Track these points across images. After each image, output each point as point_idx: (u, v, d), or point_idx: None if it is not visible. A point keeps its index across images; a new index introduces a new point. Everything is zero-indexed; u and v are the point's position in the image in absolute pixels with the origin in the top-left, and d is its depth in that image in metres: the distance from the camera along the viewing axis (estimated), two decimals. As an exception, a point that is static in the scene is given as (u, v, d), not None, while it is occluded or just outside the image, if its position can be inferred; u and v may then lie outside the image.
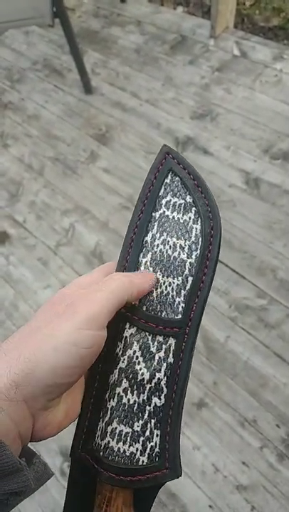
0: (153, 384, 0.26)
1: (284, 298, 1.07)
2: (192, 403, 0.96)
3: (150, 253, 0.28)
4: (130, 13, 1.88)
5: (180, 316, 0.27)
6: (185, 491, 0.88)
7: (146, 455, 0.26)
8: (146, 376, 0.26)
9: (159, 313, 0.27)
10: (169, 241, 0.28)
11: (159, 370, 0.26)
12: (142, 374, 0.26)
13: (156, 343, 0.27)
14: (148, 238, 0.28)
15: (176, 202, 0.28)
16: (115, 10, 1.92)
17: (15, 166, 1.50)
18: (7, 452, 0.20)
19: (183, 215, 0.28)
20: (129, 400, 0.26)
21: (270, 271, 1.11)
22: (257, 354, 1.00)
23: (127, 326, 0.27)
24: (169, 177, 0.29)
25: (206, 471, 0.90)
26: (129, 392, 0.26)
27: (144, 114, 1.52)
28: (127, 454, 0.26)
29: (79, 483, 0.28)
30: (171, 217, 0.28)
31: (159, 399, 0.26)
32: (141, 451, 0.26)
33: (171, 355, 0.27)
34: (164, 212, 0.28)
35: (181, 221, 0.28)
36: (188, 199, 0.28)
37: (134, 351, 0.27)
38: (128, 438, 0.26)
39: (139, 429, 0.26)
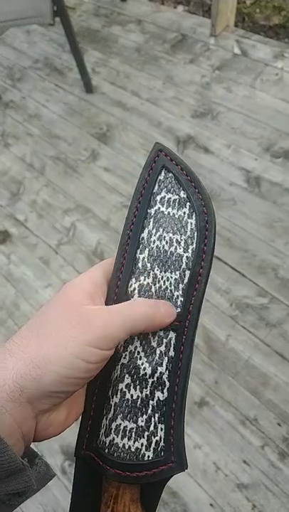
0: (155, 378, 0.26)
1: (285, 296, 1.07)
2: (193, 402, 0.96)
3: (147, 249, 0.28)
4: (131, 12, 1.88)
5: (179, 310, 0.27)
6: (186, 489, 0.88)
7: (152, 450, 0.26)
8: (148, 371, 0.26)
9: None
10: (165, 236, 0.28)
11: (161, 364, 0.26)
12: (144, 369, 0.27)
13: (156, 338, 0.27)
14: (144, 235, 0.28)
15: (170, 198, 0.29)
16: (116, 9, 1.91)
17: (16, 165, 1.50)
18: (10, 452, 0.20)
19: (178, 210, 0.28)
20: (132, 396, 0.26)
21: (271, 269, 1.11)
22: (258, 353, 1.00)
23: None
24: (163, 174, 0.29)
25: (207, 469, 0.90)
26: (131, 387, 0.26)
27: (144, 112, 1.52)
28: (132, 449, 0.26)
29: (85, 483, 0.28)
30: (166, 213, 0.28)
31: (162, 393, 0.26)
32: (146, 446, 0.26)
33: (172, 348, 0.27)
34: (159, 208, 0.29)
35: (176, 216, 0.28)
36: (182, 194, 0.28)
37: (136, 347, 0.27)
38: (133, 433, 0.26)
39: (143, 424, 0.26)
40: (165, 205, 0.28)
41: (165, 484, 0.27)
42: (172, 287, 0.27)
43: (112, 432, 0.26)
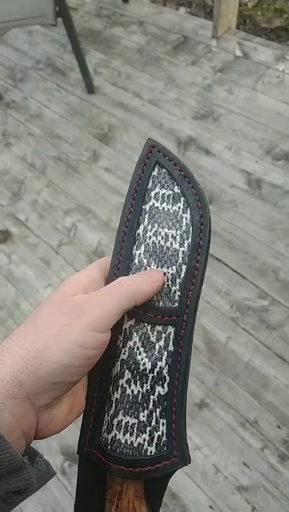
0: (155, 373, 0.26)
1: (285, 299, 1.07)
2: (193, 404, 0.96)
3: (143, 245, 0.28)
4: (132, 13, 1.88)
5: (177, 305, 0.27)
6: (186, 491, 0.88)
7: (154, 445, 0.26)
8: (148, 366, 0.27)
9: (156, 303, 0.27)
10: (160, 232, 0.28)
11: (160, 359, 0.27)
12: (144, 364, 0.27)
13: (155, 333, 0.27)
14: (140, 231, 0.29)
15: (164, 193, 0.29)
16: (118, 10, 1.92)
17: (17, 165, 1.50)
18: (10, 450, 0.20)
19: (172, 205, 0.28)
20: (133, 391, 0.26)
21: (272, 272, 1.12)
22: (258, 355, 1.01)
23: (126, 317, 0.27)
24: (156, 169, 0.29)
25: (206, 471, 0.90)
26: (132, 383, 0.27)
27: (146, 114, 1.52)
28: (135, 445, 0.26)
29: (88, 480, 0.28)
30: (161, 208, 0.28)
31: (163, 387, 0.26)
32: (148, 441, 0.26)
33: (171, 343, 0.27)
34: (154, 204, 0.29)
35: (171, 211, 0.28)
36: (177, 190, 0.28)
37: (135, 342, 0.27)
38: (135, 429, 0.26)
39: (144, 419, 0.26)
40: (160, 201, 0.29)
41: (168, 479, 0.27)
42: (169, 282, 0.27)
43: (114, 428, 0.26)
